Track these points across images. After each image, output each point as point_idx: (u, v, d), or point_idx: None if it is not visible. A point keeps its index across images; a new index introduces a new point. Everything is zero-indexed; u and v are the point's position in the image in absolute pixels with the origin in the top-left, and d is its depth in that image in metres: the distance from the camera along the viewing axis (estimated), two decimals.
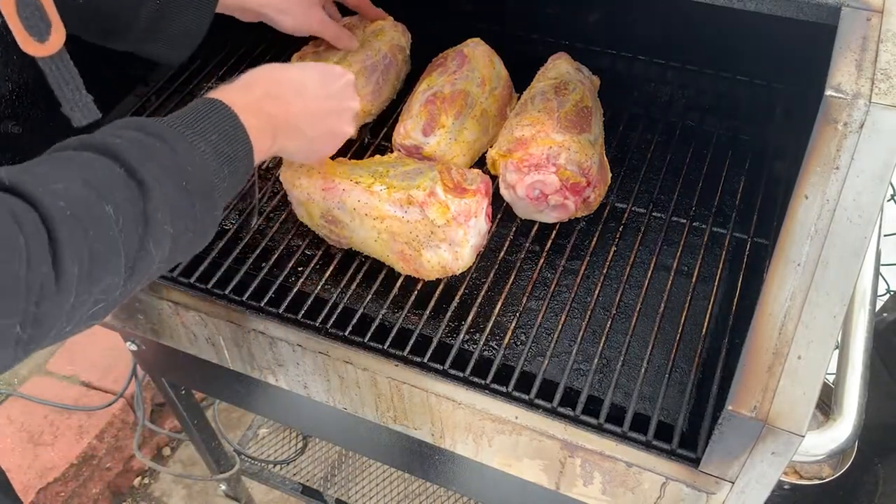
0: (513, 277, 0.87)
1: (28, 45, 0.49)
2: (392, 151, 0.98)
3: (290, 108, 0.73)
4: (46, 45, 0.50)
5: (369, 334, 0.81)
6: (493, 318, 0.83)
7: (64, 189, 0.50)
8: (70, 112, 0.54)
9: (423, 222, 0.80)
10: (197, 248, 0.65)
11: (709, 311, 0.83)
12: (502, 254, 0.89)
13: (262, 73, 0.75)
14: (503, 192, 0.90)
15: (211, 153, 0.63)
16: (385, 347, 0.80)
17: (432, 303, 0.85)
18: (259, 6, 0.90)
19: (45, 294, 0.48)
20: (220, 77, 1.16)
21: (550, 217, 0.90)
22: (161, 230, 0.57)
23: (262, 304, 0.84)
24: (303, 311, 0.83)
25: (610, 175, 0.92)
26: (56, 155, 0.56)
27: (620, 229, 0.92)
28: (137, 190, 0.55)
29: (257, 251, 0.91)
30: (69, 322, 0.51)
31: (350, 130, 0.81)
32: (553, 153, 0.85)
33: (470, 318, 0.83)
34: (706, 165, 0.98)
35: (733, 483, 0.67)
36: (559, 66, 0.99)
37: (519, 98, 1.00)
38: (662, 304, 0.83)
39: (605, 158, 0.92)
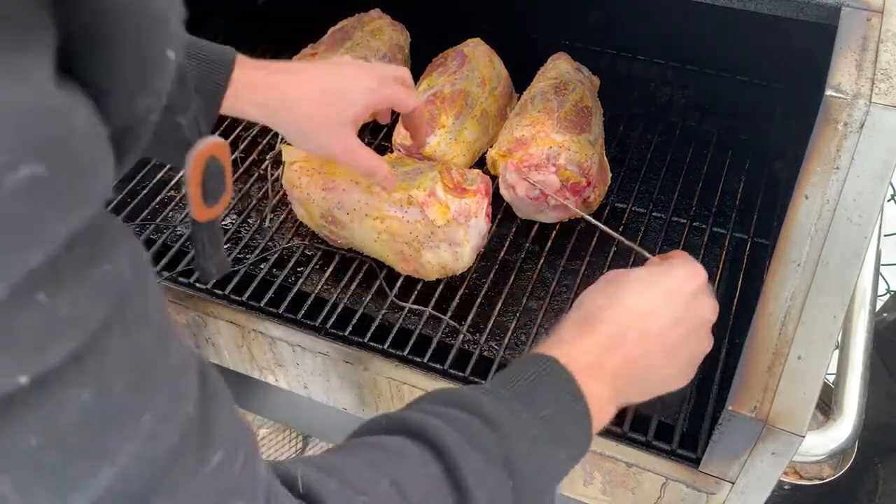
0: (513, 277, 0.87)
1: (199, 209, 0.43)
2: (392, 151, 0.98)
3: (637, 357, 0.57)
4: (213, 210, 0.45)
5: (369, 334, 0.81)
6: (493, 318, 0.83)
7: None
8: (203, 263, 0.47)
9: (423, 222, 0.80)
10: None
11: None
12: (502, 254, 0.89)
13: (600, 302, 0.59)
14: (503, 192, 0.90)
15: (544, 440, 0.49)
16: (385, 347, 0.80)
17: (432, 303, 0.85)
18: (266, 122, 0.74)
19: None
20: None
21: (550, 217, 0.90)
22: None
23: (262, 304, 0.84)
24: (303, 311, 0.83)
25: (610, 175, 0.92)
26: (366, 442, 0.46)
27: (620, 229, 0.92)
28: (455, 498, 0.43)
29: (257, 251, 0.91)
30: None
31: (708, 346, 0.62)
32: (553, 153, 0.85)
33: (470, 318, 0.83)
34: (706, 165, 0.98)
35: (733, 483, 0.67)
36: (559, 66, 0.99)
37: (519, 98, 1.00)
38: None
39: (605, 158, 0.92)
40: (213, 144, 0.41)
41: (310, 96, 0.72)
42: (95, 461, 0.26)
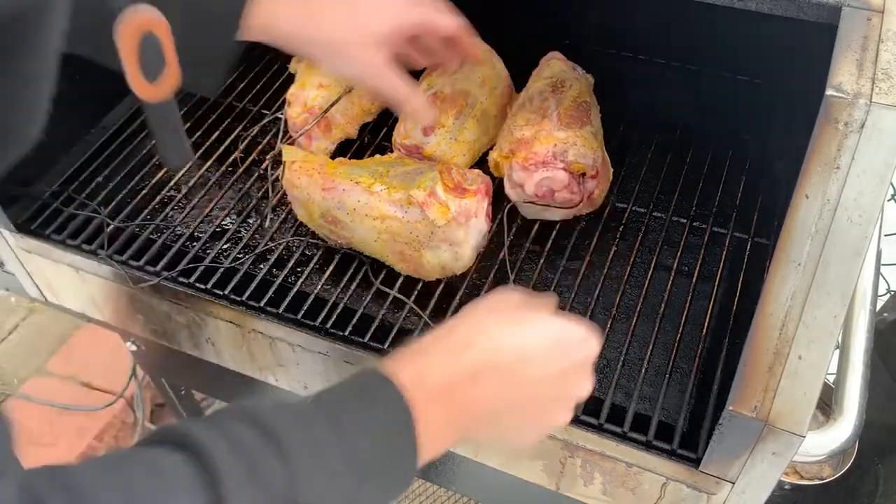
0: (513, 277, 0.87)
1: (140, 86, 0.41)
2: (392, 151, 0.98)
3: (497, 395, 0.54)
4: (157, 88, 0.43)
5: (369, 334, 0.81)
6: None
7: None
8: (163, 152, 0.46)
9: (423, 222, 0.80)
10: None
11: (709, 311, 0.83)
12: (502, 254, 0.89)
13: (478, 330, 0.56)
14: (509, 192, 0.90)
15: (349, 474, 0.45)
16: (385, 347, 0.80)
17: (432, 303, 0.85)
18: (295, 45, 0.70)
19: None
20: None
21: (556, 214, 0.90)
22: None
23: (262, 304, 0.84)
24: (303, 311, 0.83)
25: (611, 170, 0.92)
26: (136, 457, 0.42)
27: (621, 229, 0.92)
28: None
29: (257, 251, 0.91)
30: None
31: (565, 420, 0.59)
32: (559, 150, 0.85)
33: None
34: (706, 165, 0.98)
35: (734, 483, 0.67)
36: (553, 66, 0.99)
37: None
38: (663, 305, 0.83)
39: (606, 154, 0.92)
40: (146, 16, 0.39)
41: (333, 12, 0.69)
42: None
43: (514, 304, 0.59)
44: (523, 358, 0.55)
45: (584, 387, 0.59)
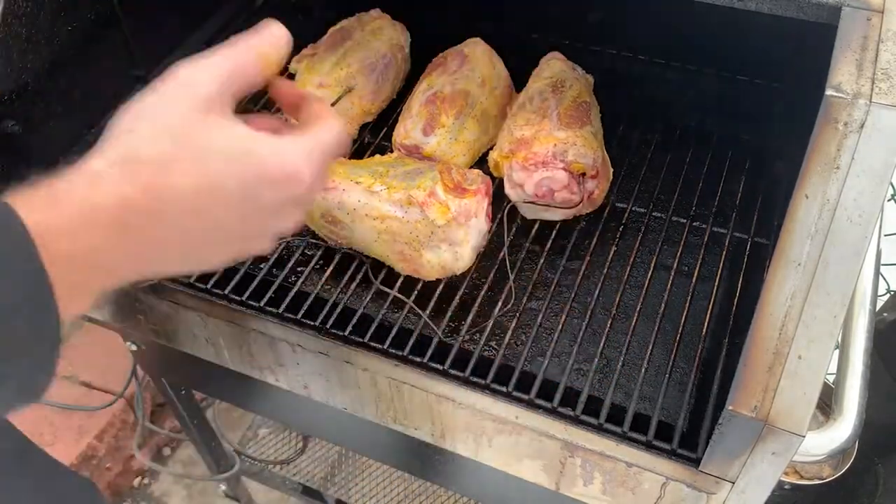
0: (513, 277, 0.87)
1: None
2: (392, 151, 0.98)
3: (153, 249, 0.44)
4: None
5: (369, 334, 0.81)
6: (493, 318, 0.83)
7: None
8: None
9: (423, 222, 0.80)
10: None
11: (709, 311, 0.83)
12: (502, 254, 0.89)
13: (145, 149, 0.45)
14: (509, 191, 0.90)
15: None
16: (385, 347, 0.80)
17: (432, 303, 0.85)
18: None
19: None
20: None
21: (556, 214, 0.90)
22: None
23: (262, 304, 0.84)
24: (302, 311, 0.83)
25: (611, 170, 0.92)
26: None
27: (620, 229, 0.92)
28: None
29: None
30: None
31: (262, 251, 0.51)
32: (559, 150, 0.85)
33: (470, 318, 0.83)
34: (706, 165, 0.98)
35: (734, 483, 0.67)
36: (553, 66, 0.99)
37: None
38: (662, 304, 0.83)
39: (606, 154, 0.92)
40: None
41: None
42: None
43: (203, 103, 0.47)
44: (197, 207, 0.44)
45: (286, 225, 0.50)
